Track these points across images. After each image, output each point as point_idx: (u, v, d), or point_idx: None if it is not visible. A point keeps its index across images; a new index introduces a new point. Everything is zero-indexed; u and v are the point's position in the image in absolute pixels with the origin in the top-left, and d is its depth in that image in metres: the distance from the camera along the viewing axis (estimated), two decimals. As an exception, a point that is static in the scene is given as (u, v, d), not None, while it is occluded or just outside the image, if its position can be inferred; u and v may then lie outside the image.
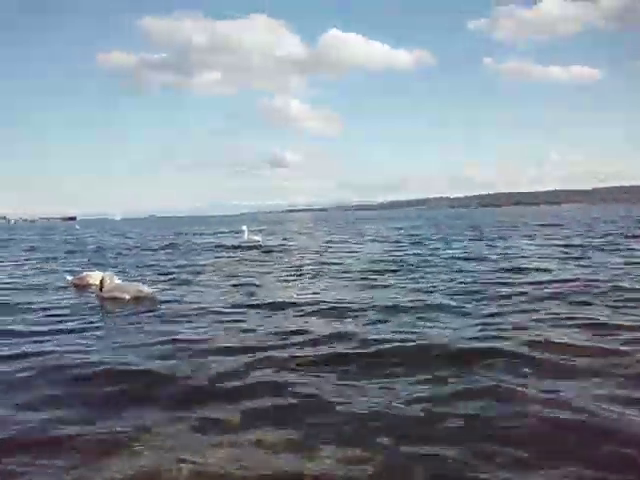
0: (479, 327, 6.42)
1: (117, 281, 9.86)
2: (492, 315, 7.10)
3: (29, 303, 9.28)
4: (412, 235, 28.44)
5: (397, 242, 23.19)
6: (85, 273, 11.70)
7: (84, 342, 6.33)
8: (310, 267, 13.97)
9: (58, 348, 6.00)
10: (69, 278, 11.59)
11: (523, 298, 8.30)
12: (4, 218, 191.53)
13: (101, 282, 9.59)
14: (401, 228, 38.62)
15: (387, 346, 5.58)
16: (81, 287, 10.94)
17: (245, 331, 6.56)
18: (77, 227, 78.05)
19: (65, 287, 11.17)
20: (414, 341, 5.76)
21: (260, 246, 22.84)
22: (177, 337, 6.33)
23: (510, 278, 10.51)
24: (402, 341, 5.75)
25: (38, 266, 16.43)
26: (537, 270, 11.60)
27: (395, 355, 5.30)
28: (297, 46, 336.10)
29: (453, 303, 8.00)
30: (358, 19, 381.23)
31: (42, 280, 12.71)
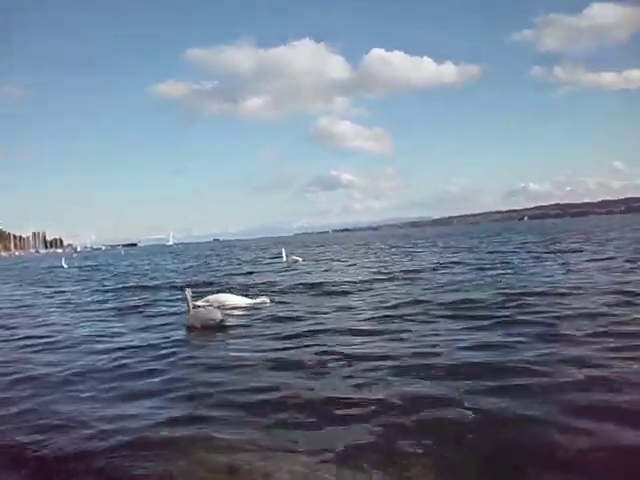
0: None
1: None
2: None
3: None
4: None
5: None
6: (214, 295, 11.68)
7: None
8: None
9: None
10: (198, 303, 10.96)
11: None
12: (69, 246, 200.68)
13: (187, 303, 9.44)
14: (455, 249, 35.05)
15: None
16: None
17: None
18: (122, 253, 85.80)
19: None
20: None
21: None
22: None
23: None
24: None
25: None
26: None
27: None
28: (341, 67, 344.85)
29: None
30: (399, 37, 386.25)
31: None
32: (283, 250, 28.34)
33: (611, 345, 6.07)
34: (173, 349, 7.44)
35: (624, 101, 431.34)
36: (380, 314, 9.21)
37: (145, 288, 17.44)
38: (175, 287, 16.76)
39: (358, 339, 7.32)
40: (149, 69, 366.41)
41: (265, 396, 5.05)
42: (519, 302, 9.37)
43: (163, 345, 7.77)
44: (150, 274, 25.50)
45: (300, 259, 26.80)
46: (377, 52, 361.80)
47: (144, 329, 9.42)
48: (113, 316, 11.41)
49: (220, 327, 8.76)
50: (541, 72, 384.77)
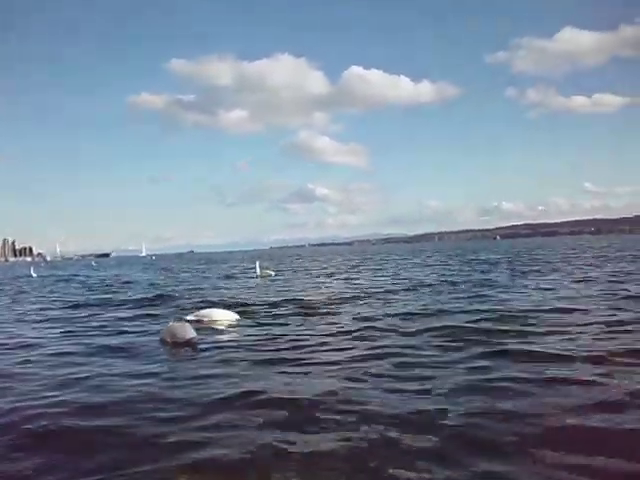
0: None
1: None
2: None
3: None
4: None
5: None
6: (205, 310, 11.51)
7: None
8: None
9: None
10: (188, 317, 10.82)
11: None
12: (39, 255, 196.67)
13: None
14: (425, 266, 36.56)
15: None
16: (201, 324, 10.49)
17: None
18: (93, 263, 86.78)
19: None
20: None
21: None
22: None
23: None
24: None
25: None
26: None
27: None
28: (320, 82, 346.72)
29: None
30: (378, 55, 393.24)
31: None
32: (257, 264, 28.10)
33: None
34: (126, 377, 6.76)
35: (594, 124, 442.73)
36: (351, 341, 8.46)
37: (107, 302, 16.49)
38: (142, 300, 16.07)
39: (322, 378, 6.29)
40: (130, 78, 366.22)
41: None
42: (507, 328, 8.73)
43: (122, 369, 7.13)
44: (117, 287, 24.55)
45: (273, 273, 27.17)
46: (356, 69, 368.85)
47: (105, 349, 8.69)
48: (73, 332, 10.61)
49: (191, 345, 8.50)
50: (515, 93, 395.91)
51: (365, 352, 7.41)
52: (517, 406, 4.82)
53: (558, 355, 6.62)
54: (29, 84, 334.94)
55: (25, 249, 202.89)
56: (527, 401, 4.97)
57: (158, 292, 19.14)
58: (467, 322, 9.44)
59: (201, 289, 20.33)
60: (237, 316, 11.10)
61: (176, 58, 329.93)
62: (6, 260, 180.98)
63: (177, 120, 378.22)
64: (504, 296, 13.16)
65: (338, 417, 4.75)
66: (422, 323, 9.57)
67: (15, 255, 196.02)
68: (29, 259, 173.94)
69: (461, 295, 13.94)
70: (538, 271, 21.68)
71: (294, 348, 8.00)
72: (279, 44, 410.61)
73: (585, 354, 6.57)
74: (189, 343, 8.53)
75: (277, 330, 9.73)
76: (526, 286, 15.49)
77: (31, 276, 41.47)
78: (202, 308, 12.08)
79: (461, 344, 7.63)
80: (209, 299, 15.57)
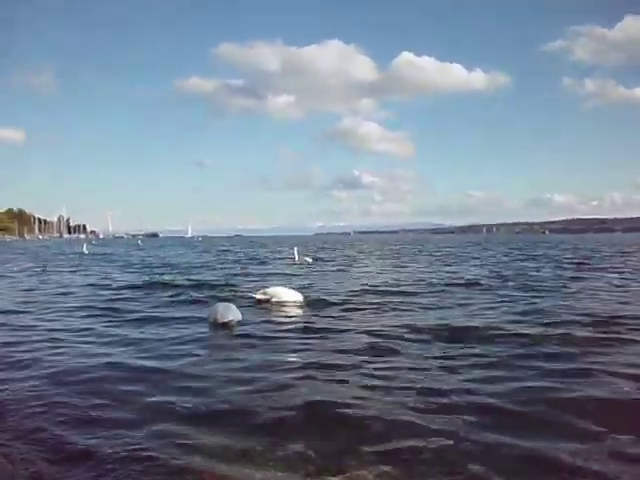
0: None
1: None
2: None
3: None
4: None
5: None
6: (271, 288, 11.78)
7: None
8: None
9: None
10: (257, 296, 11.43)
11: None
12: (93, 233, 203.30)
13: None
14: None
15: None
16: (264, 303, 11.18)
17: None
18: (139, 243, 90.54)
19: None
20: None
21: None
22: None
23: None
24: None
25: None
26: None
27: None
28: (369, 69, 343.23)
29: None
30: (431, 42, 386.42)
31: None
32: (295, 250, 28.60)
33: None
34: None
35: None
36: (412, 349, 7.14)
37: (143, 286, 16.15)
38: (177, 285, 15.95)
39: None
40: (179, 62, 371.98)
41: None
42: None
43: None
44: (162, 268, 25.06)
45: (310, 260, 27.61)
46: (406, 55, 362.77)
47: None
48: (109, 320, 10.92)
49: (228, 327, 8.61)
50: (571, 83, 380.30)
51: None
52: None
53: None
54: (77, 66, 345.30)
55: (79, 226, 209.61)
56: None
57: (208, 273, 20.02)
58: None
59: (237, 274, 20.91)
60: (302, 297, 11.32)
61: (225, 42, 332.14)
62: (60, 236, 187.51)
63: (224, 104, 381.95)
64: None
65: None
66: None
67: (70, 232, 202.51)
68: (82, 236, 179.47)
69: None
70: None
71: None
72: (329, 30, 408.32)
73: None
74: (227, 325, 8.61)
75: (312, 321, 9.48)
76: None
77: (83, 253, 43.71)
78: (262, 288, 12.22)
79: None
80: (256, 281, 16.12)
